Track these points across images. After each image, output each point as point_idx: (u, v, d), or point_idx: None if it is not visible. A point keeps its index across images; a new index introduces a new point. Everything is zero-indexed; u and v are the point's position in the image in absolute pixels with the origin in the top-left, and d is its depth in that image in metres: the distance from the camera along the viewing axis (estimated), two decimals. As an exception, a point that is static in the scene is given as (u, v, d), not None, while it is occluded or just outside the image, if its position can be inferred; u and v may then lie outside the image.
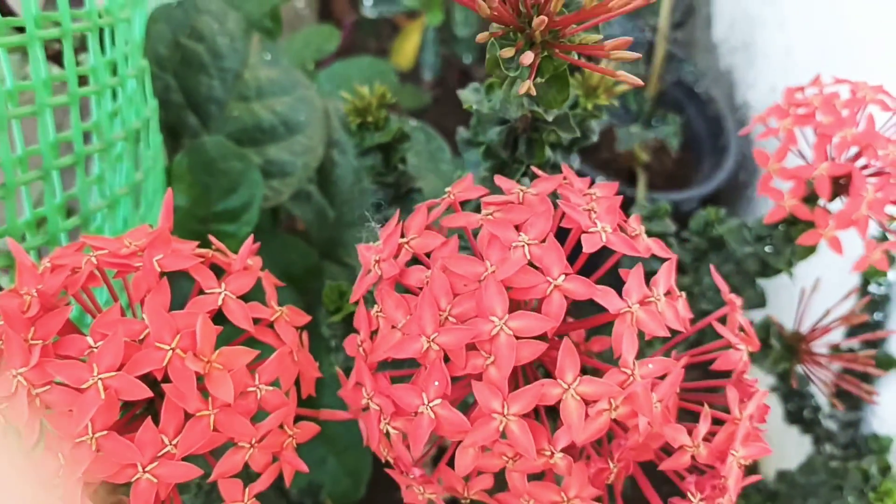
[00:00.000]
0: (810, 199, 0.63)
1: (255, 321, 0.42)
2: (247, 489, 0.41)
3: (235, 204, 0.72)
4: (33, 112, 0.48)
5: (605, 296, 0.38)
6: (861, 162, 0.59)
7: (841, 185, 0.62)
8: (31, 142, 0.49)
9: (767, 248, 0.70)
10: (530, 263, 0.37)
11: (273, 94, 0.78)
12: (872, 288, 0.87)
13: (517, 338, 0.36)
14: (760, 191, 0.63)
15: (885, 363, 0.86)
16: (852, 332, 0.78)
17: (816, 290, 0.72)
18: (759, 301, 0.73)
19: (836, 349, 0.76)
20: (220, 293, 0.41)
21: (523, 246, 0.37)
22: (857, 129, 0.59)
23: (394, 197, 0.68)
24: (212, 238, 0.46)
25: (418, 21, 1.37)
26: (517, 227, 0.38)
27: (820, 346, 0.72)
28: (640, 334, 0.38)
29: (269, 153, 0.76)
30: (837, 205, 0.62)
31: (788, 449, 0.95)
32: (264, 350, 0.42)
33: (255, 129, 0.77)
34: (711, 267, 0.51)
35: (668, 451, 0.42)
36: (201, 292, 0.42)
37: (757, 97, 1.59)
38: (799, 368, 0.74)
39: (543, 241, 0.38)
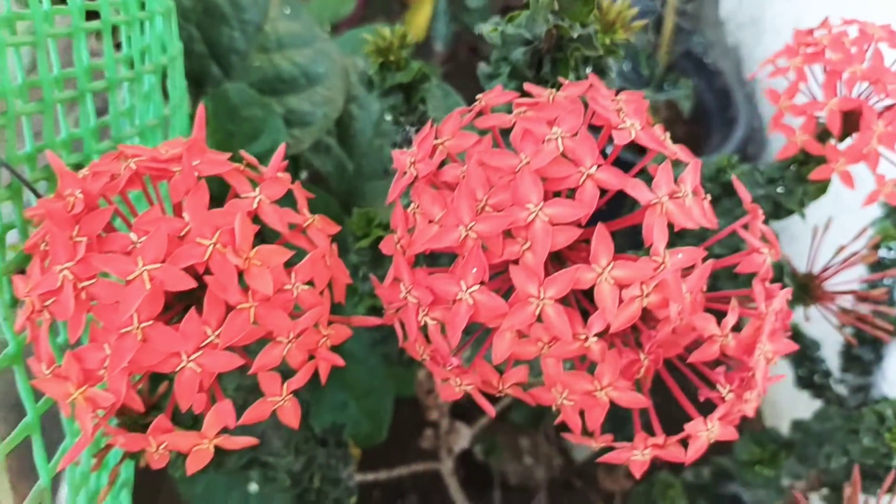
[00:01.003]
0: (821, 136, 0.64)
1: (289, 227, 0.44)
2: (284, 385, 0.42)
3: (258, 150, 0.74)
4: (69, 34, 0.49)
5: (635, 187, 0.39)
6: (871, 99, 0.61)
7: (851, 123, 0.64)
8: (66, 65, 0.50)
9: (779, 190, 0.71)
10: (563, 155, 0.39)
11: (293, 46, 0.80)
12: (882, 252, 0.88)
13: (552, 224, 0.37)
14: (772, 128, 0.65)
15: None
16: (873, 268, 0.79)
17: (828, 230, 0.74)
18: (772, 243, 0.74)
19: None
20: (255, 197, 0.42)
21: (556, 139, 0.39)
22: (865, 65, 0.60)
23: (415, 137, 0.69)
24: (243, 153, 0.47)
25: (429, -8, 1.39)
26: (549, 124, 0.40)
27: (833, 287, 0.73)
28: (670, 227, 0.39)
29: (290, 103, 0.78)
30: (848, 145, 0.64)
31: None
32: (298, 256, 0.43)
33: (275, 80, 0.78)
34: (733, 177, 0.52)
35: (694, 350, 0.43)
36: (236, 197, 0.43)
37: (765, 70, 1.60)
38: (813, 309, 0.75)
39: (575, 134, 0.39)
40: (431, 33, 1.43)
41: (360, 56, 0.93)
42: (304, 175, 0.88)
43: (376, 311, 0.76)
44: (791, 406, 1.05)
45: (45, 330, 0.40)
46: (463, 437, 0.92)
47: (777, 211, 0.72)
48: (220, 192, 0.44)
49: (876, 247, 0.79)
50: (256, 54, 0.78)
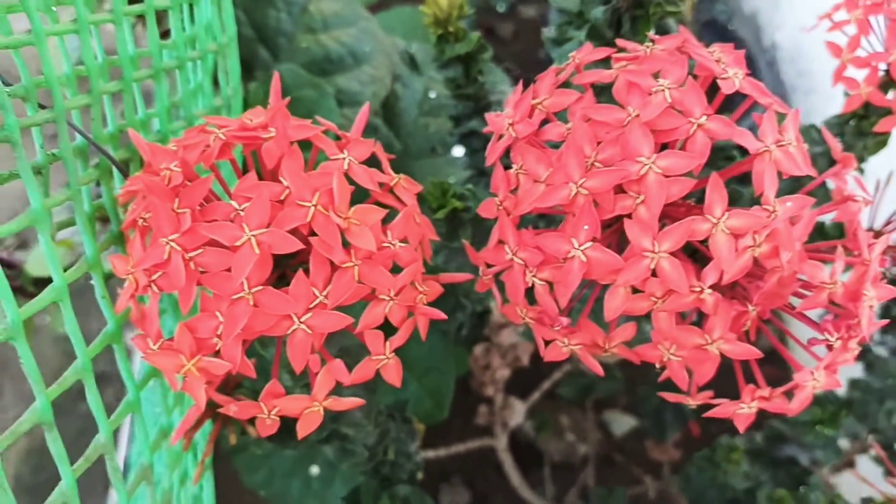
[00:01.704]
0: (884, 87, 0.64)
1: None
2: (387, 343, 0.42)
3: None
4: (142, 11, 0.49)
5: (743, 136, 0.39)
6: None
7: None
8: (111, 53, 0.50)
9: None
10: (671, 107, 0.38)
11: (338, 26, 0.79)
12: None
13: (665, 176, 0.37)
14: (835, 80, 0.64)
15: None
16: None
17: (890, 184, 0.73)
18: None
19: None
20: (345, 158, 0.42)
21: (663, 90, 0.39)
22: (930, 14, 0.60)
23: (473, 110, 0.69)
24: (319, 119, 0.47)
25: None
26: (654, 76, 0.39)
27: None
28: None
29: (339, 83, 0.78)
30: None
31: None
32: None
33: (323, 60, 0.78)
34: (822, 126, 0.51)
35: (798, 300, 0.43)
36: (321, 158, 0.43)
37: (785, 38, 1.60)
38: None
39: (682, 85, 0.39)
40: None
41: (399, 36, 0.93)
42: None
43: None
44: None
45: (153, 305, 0.40)
46: (517, 412, 0.93)
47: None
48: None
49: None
50: (303, 35, 0.78)
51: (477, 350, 0.85)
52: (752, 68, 1.51)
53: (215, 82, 0.67)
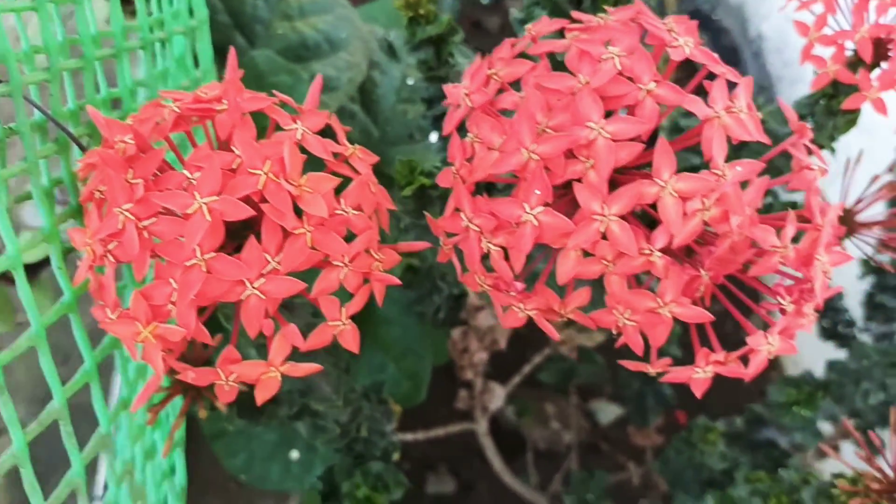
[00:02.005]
0: (851, 65, 0.64)
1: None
2: (343, 308, 0.43)
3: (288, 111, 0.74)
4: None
5: (693, 103, 0.39)
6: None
7: (881, 51, 0.64)
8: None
9: (809, 125, 0.71)
10: (621, 74, 0.39)
11: (315, 13, 0.80)
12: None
13: (614, 141, 0.38)
14: (803, 59, 0.65)
15: None
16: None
17: (860, 163, 0.74)
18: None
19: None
20: (297, 128, 0.43)
21: (613, 57, 0.39)
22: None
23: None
24: (276, 93, 0.47)
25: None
26: (604, 44, 0.40)
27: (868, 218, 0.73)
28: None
29: (315, 69, 0.78)
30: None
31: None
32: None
33: (300, 46, 0.78)
34: (779, 99, 0.52)
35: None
36: (278, 130, 0.44)
37: (771, 28, 1.60)
38: (848, 243, 0.75)
39: (632, 53, 0.39)
40: (438, 5, 1.43)
41: (381, 26, 0.94)
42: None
43: (412, 269, 0.76)
44: (814, 359, 1.06)
45: (109, 275, 0.41)
46: (497, 396, 0.93)
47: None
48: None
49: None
50: (279, 22, 0.79)
51: (455, 334, 0.86)
52: (738, 59, 1.53)
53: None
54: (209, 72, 0.66)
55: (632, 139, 0.38)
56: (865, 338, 1.01)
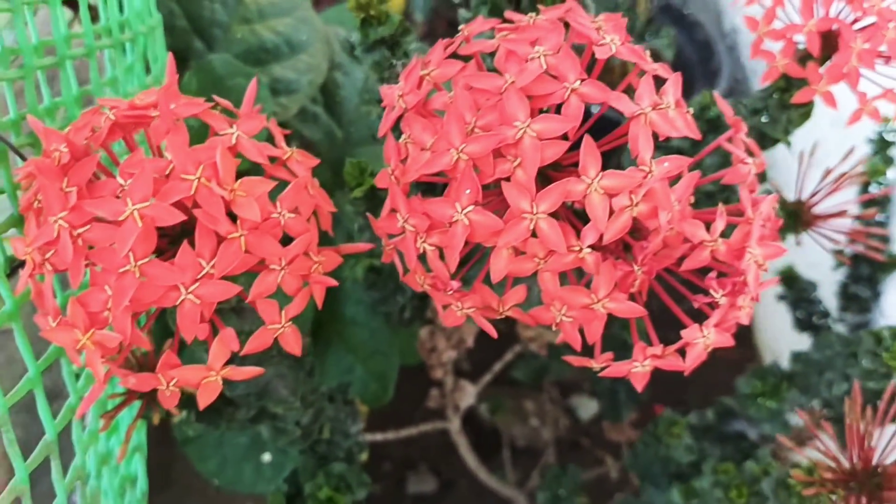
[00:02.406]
0: (802, 60, 0.65)
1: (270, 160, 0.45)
2: (282, 312, 0.43)
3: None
4: (45, 1, 0.50)
5: (618, 100, 0.40)
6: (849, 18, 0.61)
7: (830, 44, 0.64)
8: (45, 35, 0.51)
9: (764, 119, 0.72)
10: (547, 73, 0.39)
11: (274, 16, 0.80)
12: (873, 188, 0.89)
13: (540, 140, 0.38)
14: (753, 54, 0.65)
15: (891, 263, 0.88)
16: (863, 188, 0.80)
17: (814, 155, 0.75)
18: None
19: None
20: (233, 133, 0.43)
21: (539, 56, 0.40)
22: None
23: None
24: (216, 97, 0.48)
25: (405, -35, 1.39)
26: (531, 44, 0.40)
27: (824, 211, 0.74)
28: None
29: (275, 72, 0.78)
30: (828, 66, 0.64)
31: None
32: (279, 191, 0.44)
33: (259, 50, 0.79)
34: (714, 93, 0.53)
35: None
36: (215, 135, 0.44)
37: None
38: (806, 236, 0.76)
39: (558, 52, 0.40)
40: (410, 7, 1.44)
41: (343, 26, 0.94)
42: (294, 145, 0.88)
43: (375, 269, 0.77)
44: (790, 350, 1.07)
45: (48, 283, 0.41)
46: (468, 394, 0.94)
47: (763, 141, 0.73)
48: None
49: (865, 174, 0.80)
50: (238, 26, 0.79)
51: (422, 333, 0.86)
52: (711, 52, 1.53)
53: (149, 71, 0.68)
54: (161, 78, 0.66)
55: (558, 137, 0.39)
56: (840, 328, 1.01)
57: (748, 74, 1.60)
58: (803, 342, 1.00)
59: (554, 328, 0.44)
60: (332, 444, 0.67)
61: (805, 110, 0.70)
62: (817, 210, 0.73)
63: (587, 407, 1.33)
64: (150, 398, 0.56)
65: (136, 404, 0.57)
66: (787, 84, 0.68)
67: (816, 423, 0.98)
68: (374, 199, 0.59)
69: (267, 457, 0.88)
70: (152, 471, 0.74)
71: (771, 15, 0.64)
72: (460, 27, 0.46)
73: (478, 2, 0.58)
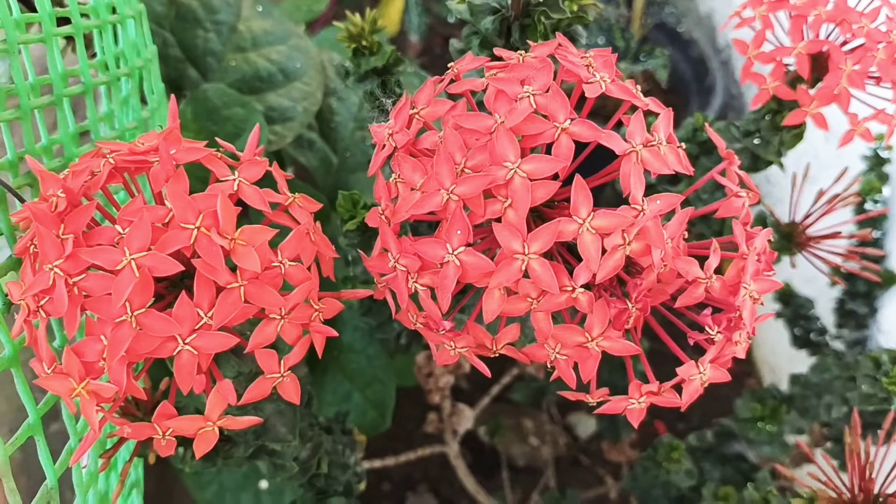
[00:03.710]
0: (792, 82, 0.65)
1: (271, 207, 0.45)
2: (282, 361, 0.43)
3: (241, 149, 0.74)
4: (41, 40, 0.50)
5: (609, 138, 0.40)
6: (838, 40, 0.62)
7: (820, 66, 0.64)
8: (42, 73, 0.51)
9: (756, 141, 0.72)
10: (537, 112, 0.39)
11: (268, 44, 0.80)
12: (868, 206, 0.89)
13: (531, 180, 0.38)
14: (743, 78, 0.65)
15: (887, 279, 0.88)
16: (858, 209, 0.80)
17: (807, 178, 0.74)
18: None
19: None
20: (234, 180, 0.43)
21: (528, 96, 0.39)
22: (829, 7, 0.61)
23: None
24: (219, 140, 0.47)
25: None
26: (521, 83, 0.40)
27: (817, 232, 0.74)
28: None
29: (270, 100, 0.78)
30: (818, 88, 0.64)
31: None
32: (282, 235, 0.44)
33: (253, 78, 0.79)
34: (706, 125, 0.53)
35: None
36: (217, 181, 0.44)
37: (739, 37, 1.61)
38: (800, 257, 0.76)
39: (547, 91, 0.40)
40: (405, 26, 1.44)
41: (336, 51, 0.94)
42: (289, 171, 0.88)
43: (370, 298, 0.76)
44: (789, 368, 1.06)
45: (42, 330, 0.41)
46: (466, 418, 0.93)
47: (755, 163, 0.73)
48: (202, 187, 0.45)
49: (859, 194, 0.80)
50: (232, 54, 0.79)
51: (419, 359, 0.86)
52: (706, 68, 1.53)
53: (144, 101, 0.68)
54: (158, 110, 0.66)
55: (549, 177, 0.39)
56: (838, 345, 1.01)
57: (743, 90, 1.61)
58: (801, 356, 0.99)
59: (549, 366, 0.44)
60: (331, 477, 0.66)
61: (797, 132, 0.70)
62: (811, 231, 0.73)
63: (586, 425, 1.32)
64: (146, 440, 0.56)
65: (132, 443, 0.56)
66: (779, 106, 0.68)
67: (815, 445, 0.98)
68: (368, 231, 0.58)
69: (264, 484, 0.87)
70: (150, 498, 0.73)
71: (760, 38, 0.64)
72: (450, 65, 0.46)
73: (469, 32, 0.58)
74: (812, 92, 0.63)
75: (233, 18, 0.80)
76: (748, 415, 0.84)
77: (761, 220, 0.75)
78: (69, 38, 0.57)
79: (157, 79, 0.68)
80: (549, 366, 0.44)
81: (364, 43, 0.65)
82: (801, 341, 1.01)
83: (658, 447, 0.82)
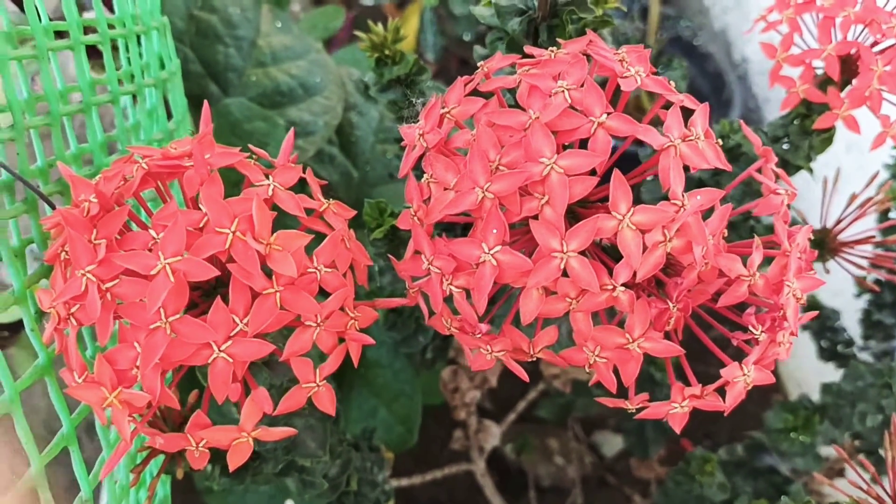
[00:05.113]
0: (822, 85, 0.64)
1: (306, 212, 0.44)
2: (317, 370, 0.42)
3: (264, 163, 0.74)
4: (69, 47, 0.50)
5: (647, 132, 0.39)
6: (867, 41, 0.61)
7: (850, 68, 0.64)
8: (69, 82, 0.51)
9: (785, 147, 0.71)
10: (571, 107, 0.39)
11: (288, 59, 0.80)
12: (894, 214, 0.88)
13: (568, 175, 0.37)
14: (772, 82, 0.65)
15: None
16: (882, 217, 0.79)
17: (838, 182, 0.73)
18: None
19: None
20: (269, 185, 0.42)
21: (563, 91, 0.39)
22: (857, 8, 0.60)
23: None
24: (252, 147, 0.47)
25: (416, 4, 1.40)
26: (554, 78, 0.40)
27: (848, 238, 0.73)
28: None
29: (291, 114, 0.78)
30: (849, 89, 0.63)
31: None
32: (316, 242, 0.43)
33: (274, 93, 0.79)
34: (741, 122, 0.52)
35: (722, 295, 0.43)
36: (251, 186, 0.43)
37: (756, 51, 1.61)
38: (833, 263, 0.74)
39: (582, 85, 0.39)
40: (420, 45, 1.44)
41: (355, 67, 0.94)
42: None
43: (396, 310, 0.76)
44: (816, 382, 1.05)
45: (73, 338, 0.40)
46: (493, 435, 0.92)
47: (785, 168, 0.71)
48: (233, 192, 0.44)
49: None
50: (253, 69, 0.79)
51: (445, 374, 0.85)
52: (723, 82, 1.53)
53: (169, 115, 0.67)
54: (182, 123, 0.66)
55: (586, 173, 0.38)
56: (865, 356, 0.99)
57: (760, 104, 1.60)
58: (827, 370, 0.97)
59: (587, 370, 0.43)
60: (360, 495, 0.65)
61: (827, 136, 0.69)
62: (843, 237, 0.72)
63: (611, 443, 1.30)
64: (174, 453, 0.55)
65: (160, 458, 0.55)
66: (808, 110, 0.67)
67: (850, 456, 0.95)
68: (395, 239, 0.58)
69: (289, 503, 0.86)
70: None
71: (789, 41, 0.63)
72: (479, 63, 0.45)
73: (494, 38, 0.57)
74: (843, 94, 0.62)
75: (253, 34, 0.80)
76: (780, 425, 0.82)
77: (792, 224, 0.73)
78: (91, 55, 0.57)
79: (181, 92, 0.68)
80: (587, 369, 0.43)
81: (387, 52, 0.65)
82: (827, 353, 0.99)
83: (690, 460, 0.81)
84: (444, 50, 1.55)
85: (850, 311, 0.98)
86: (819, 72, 0.63)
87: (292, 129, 0.46)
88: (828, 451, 0.92)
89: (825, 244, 0.73)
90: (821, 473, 0.91)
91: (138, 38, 0.58)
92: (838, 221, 0.72)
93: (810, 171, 0.70)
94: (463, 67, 1.84)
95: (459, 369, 0.84)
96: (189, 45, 0.78)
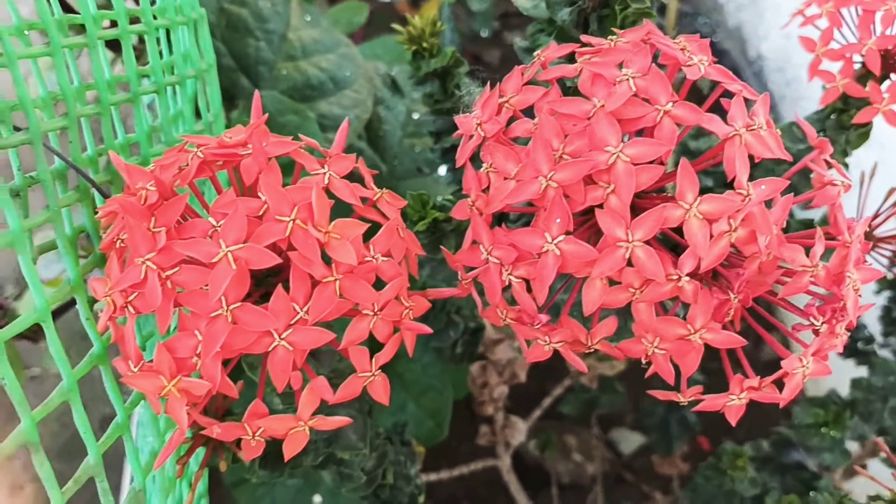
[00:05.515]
0: (861, 79, 0.64)
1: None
2: (373, 360, 0.42)
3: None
4: (118, 36, 0.50)
5: (711, 121, 0.39)
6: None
7: (889, 63, 0.63)
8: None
9: (824, 140, 0.71)
10: (636, 95, 0.38)
11: (318, 52, 0.80)
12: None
13: (634, 164, 0.37)
14: (811, 75, 0.64)
15: None
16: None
17: (875, 176, 0.73)
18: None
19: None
20: (325, 173, 0.42)
21: (628, 79, 0.38)
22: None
23: (452, 125, 0.69)
24: (302, 136, 0.47)
25: (432, 1, 1.39)
26: (618, 66, 0.39)
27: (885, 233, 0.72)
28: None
29: (321, 108, 0.78)
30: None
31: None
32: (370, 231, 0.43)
33: (304, 86, 0.78)
34: (796, 113, 0.51)
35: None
36: (304, 174, 0.43)
37: (771, 48, 1.60)
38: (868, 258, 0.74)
39: (646, 74, 0.39)
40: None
41: (382, 61, 0.94)
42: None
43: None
44: (833, 380, 1.04)
45: (130, 327, 0.40)
46: (519, 430, 0.92)
47: (821, 163, 0.71)
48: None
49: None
50: (283, 63, 0.79)
51: (473, 369, 0.84)
52: (739, 79, 1.52)
53: (198, 112, 0.67)
54: (219, 115, 0.66)
55: (652, 161, 0.37)
56: (886, 353, 0.99)
57: (776, 101, 1.59)
58: (846, 367, 0.97)
59: (644, 361, 0.43)
60: (395, 489, 0.65)
61: (864, 130, 0.69)
62: (879, 232, 0.71)
63: (629, 440, 1.30)
64: (217, 444, 0.54)
65: (202, 451, 0.55)
66: (845, 104, 0.67)
67: (870, 455, 0.95)
68: (437, 231, 0.57)
69: (318, 499, 0.86)
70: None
71: (828, 35, 0.63)
72: (535, 53, 0.45)
73: (535, 29, 0.57)
74: (883, 88, 0.62)
75: (283, 27, 0.80)
76: (810, 420, 0.82)
77: (824, 222, 0.73)
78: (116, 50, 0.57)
79: (216, 86, 0.68)
80: (643, 362, 0.43)
81: (424, 45, 0.65)
82: (847, 350, 0.99)
83: (721, 455, 0.80)
84: (459, 48, 1.55)
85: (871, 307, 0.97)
86: (857, 66, 0.63)
87: (346, 119, 0.45)
88: (852, 446, 0.91)
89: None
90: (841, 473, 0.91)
91: (172, 30, 0.58)
92: (875, 215, 0.71)
93: (846, 165, 0.70)
94: (476, 64, 1.84)
95: (489, 364, 0.84)
96: (220, 39, 0.78)
